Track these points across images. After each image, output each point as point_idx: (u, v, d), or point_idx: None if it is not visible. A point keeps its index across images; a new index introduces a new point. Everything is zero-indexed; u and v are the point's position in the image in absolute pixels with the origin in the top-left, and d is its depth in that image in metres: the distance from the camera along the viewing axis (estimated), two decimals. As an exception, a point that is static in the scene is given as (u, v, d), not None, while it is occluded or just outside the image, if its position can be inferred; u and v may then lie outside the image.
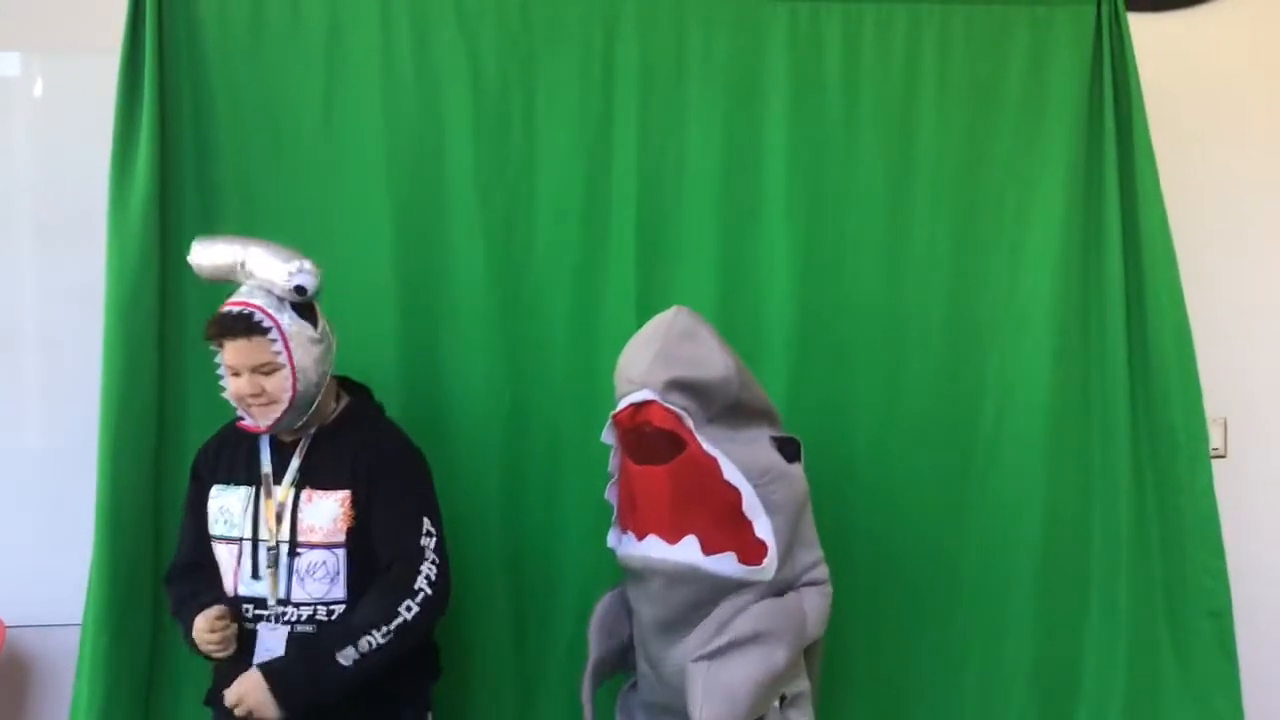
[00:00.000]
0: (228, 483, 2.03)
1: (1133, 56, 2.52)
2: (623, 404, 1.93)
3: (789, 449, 2.03)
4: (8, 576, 2.51)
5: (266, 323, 1.94)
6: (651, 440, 1.90)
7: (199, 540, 2.06)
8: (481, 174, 2.42)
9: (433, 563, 1.98)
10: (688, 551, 1.91)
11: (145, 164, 2.26)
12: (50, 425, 2.55)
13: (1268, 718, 2.67)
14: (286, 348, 1.94)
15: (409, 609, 1.93)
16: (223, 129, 2.37)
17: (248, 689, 1.89)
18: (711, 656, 1.90)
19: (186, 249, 2.33)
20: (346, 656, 1.89)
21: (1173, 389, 2.49)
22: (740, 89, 2.48)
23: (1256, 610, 2.65)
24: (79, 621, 2.26)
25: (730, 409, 1.98)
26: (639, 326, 2.37)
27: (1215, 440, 2.65)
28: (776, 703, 1.99)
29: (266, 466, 2.02)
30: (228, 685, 1.91)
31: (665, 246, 2.46)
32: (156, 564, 2.30)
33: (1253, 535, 2.72)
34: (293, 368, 1.94)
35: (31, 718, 2.55)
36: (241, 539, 1.99)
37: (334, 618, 1.96)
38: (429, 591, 1.95)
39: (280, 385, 1.94)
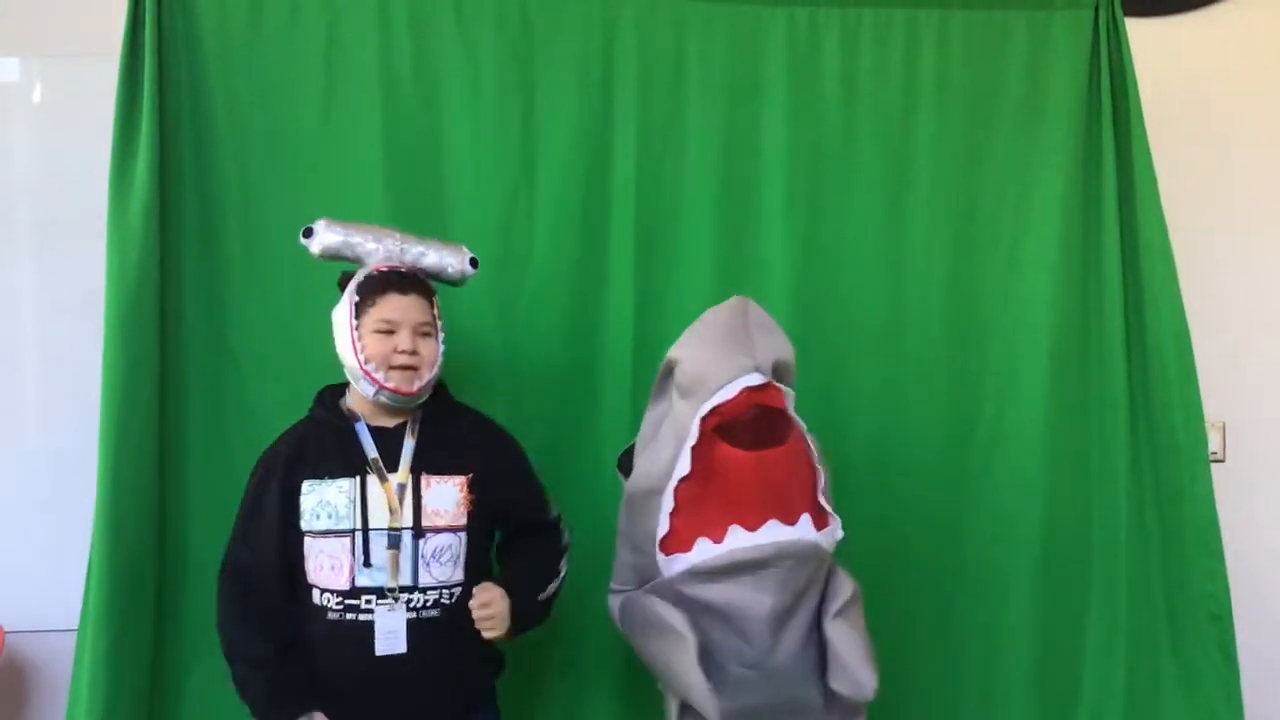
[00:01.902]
0: (322, 477, 1.97)
1: (1130, 61, 2.53)
2: (734, 389, 1.88)
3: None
4: (7, 581, 2.50)
5: (433, 287, 2.08)
6: (754, 425, 1.88)
7: (273, 541, 1.98)
8: (480, 176, 2.43)
9: (567, 531, 2.16)
10: (807, 529, 1.89)
11: (145, 167, 2.25)
12: (50, 428, 2.55)
13: (1269, 721, 2.67)
14: (440, 317, 2.06)
15: (564, 564, 2.11)
16: (222, 131, 2.37)
17: (495, 598, 1.94)
18: (840, 615, 1.93)
19: (186, 251, 2.37)
20: (546, 593, 2.05)
21: (1172, 393, 2.49)
22: (739, 92, 2.49)
23: (1257, 614, 2.65)
24: (78, 626, 2.26)
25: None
26: (638, 327, 2.43)
27: (1213, 444, 2.66)
28: None
29: (373, 452, 1.99)
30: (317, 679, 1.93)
31: (664, 247, 2.47)
32: (157, 568, 2.30)
33: (1252, 539, 2.72)
34: (443, 337, 2.04)
35: (30, 723, 2.56)
36: (353, 530, 1.95)
37: (455, 599, 1.96)
38: (570, 543, 2.15)
39: (432, 351, 2.01)
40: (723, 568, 1.89)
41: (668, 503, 1.94)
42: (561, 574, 2.10)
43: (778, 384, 1.91)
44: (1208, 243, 2.76)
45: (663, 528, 1.95)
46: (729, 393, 1.88)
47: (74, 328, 2.48)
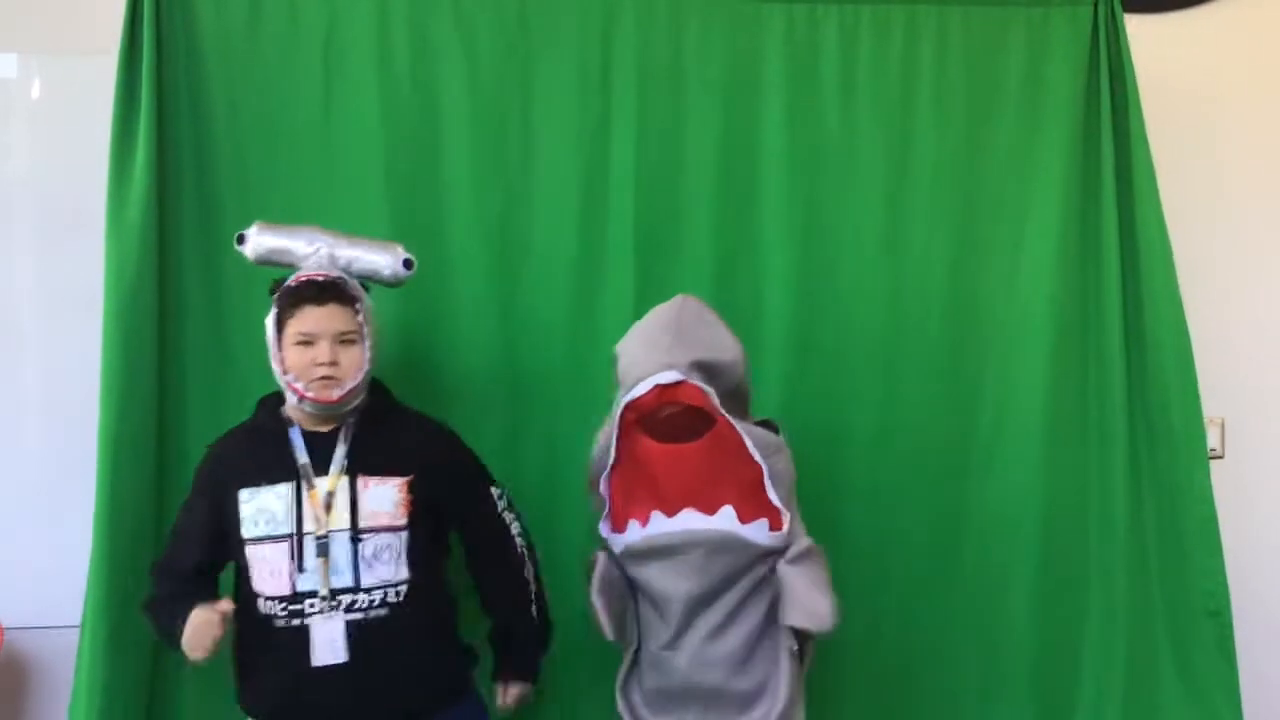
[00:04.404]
0: (259, 483, 1.99)
1: (1129, 57, 2.53)
2: (645, 386, 1.95)
3: (772, 428, 2.10)
4: (7, 578, 2.50)
5: (355, 293, 2.04)
6: (677, 419, 1.95)
7: (205, 546, 2.03)
8: (479, 174, 2.43)
9: (516, 521, 2.18)
10: (727, 520, 1.97)
11: (143, 164, 2.26)
12: (49, 425, 2.54)
13: (1267, 718, 2.67)
14: (368, 322, 2.03)
15: (529, 573, 2.17)
16: (221, 129, 2.38)
17: (514, 695, 2.15)
18: (796, 561, 1.99)
19: (185, 249, 2.38)
20: (538, 616, 2.17)
21: (1170, 390, 2.49)
22: (737, 90, 2.49)
23: (1255, 610, 2.65)
24: (78, 623, 2.26)
25: (731, 393, 2.02)
26: (637, 325, 2.42)
27: (1212, 441, 2.65)
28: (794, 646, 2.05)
29: (304, 457, 2.00)
30: (272, 689, 1.97)
31: (663, 246, 2.47)
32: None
33: (1250, 536, 2.72)
34: (370, 343, 2.01)
35: (30, 719, 2.56)
36: (291, 535, 1.96)
37: (402, 597, 1.98)
38: (527, 547, 2.18)
39: (355, 359, 2.00)
40: (644, 550, 2.02)
41: (604, 487, 2.08)
42: (533, 594, 2.18)
43: (696, 382, 1.94)
44: (1207, 239, 2.75)
45: (604, 509, 2.09)
46: (642, 389, 1.96)
47: (73, 324, 2.48)
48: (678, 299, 2.06)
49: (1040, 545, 2.53)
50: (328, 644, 1.94)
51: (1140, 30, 2.60)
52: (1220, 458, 2.76)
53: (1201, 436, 2.50)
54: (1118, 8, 2.55)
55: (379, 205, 2.39)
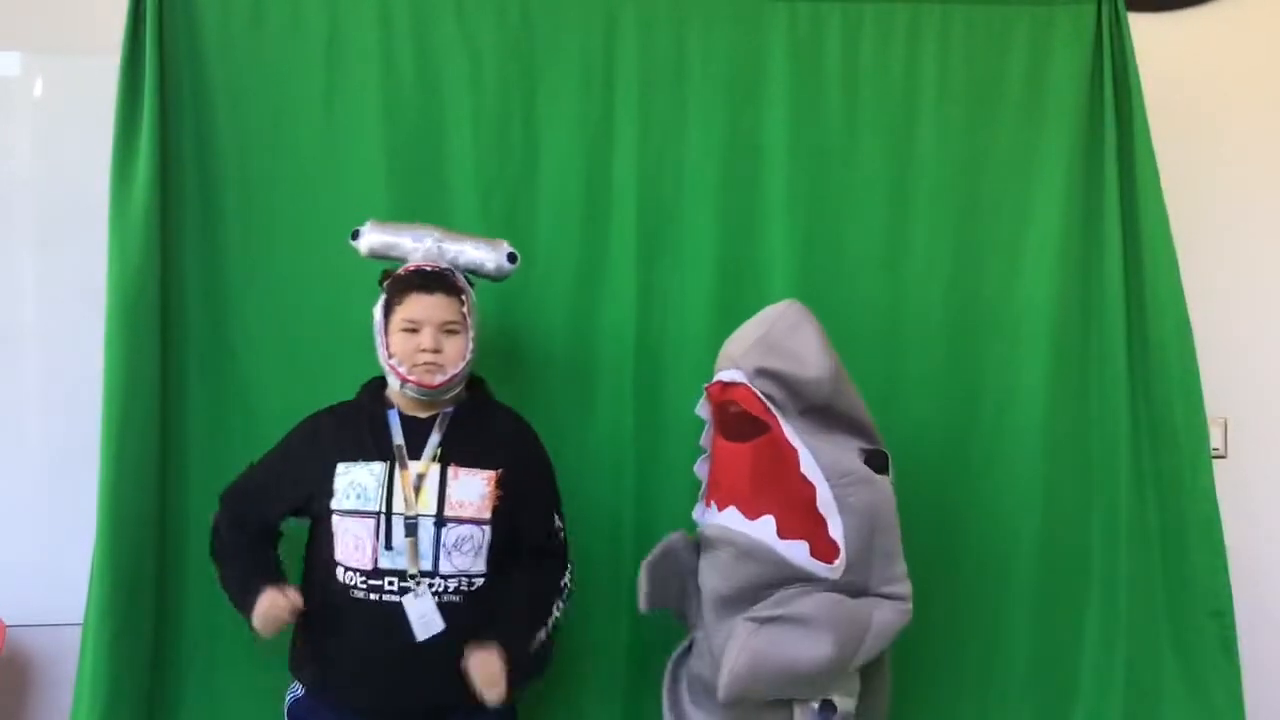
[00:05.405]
0: (356, 459, 2.04)
1: (1133, 56, 2.52)
2: (714, 378, 2.01)
3: (876, 461, 2.05)
4: (9, 575, 2.51)
5: (461, 285, 2.12)
6: (736, 419, 1.97)
7: (282, 508, 2.09)
8: (482, 173, 2.43)
9: (569, 560, 2.15)
10: (763, 529, 1.95)
11: (146, 163, 2.27)
12: (52, 424, 2.55)
13: (1270, 718, 2.66)
14: (471, 314, 2.10)
15: (558, 607, 2.11)
16: (223, 128, 2.38)
17: (493, 660, 1.95)
18: (761, 621, 1.94)
19: (187, 248, 2.38)
20: (538, 637, 2.06)
21: (1173, 389, 2.48)
22: (740, 88, 2.48)
23: (1258, 610, 2.64)
24: (80, 620, 2.26)
25: (819, 410, 2.01)
26: (639, 325, 2.44)
27: (1215, 440, 2.64)
28: (815, 705, 2.00)
29: (399, 439, 2.05)
30: (333, 660, 2.00)
31: (665, 246, 2.47)
32: (159, 562, 2.31)
33: (1253, 535, 2.72)
34: (473, 335, 2.07)
35: (33, 717, 2.56)
36: (378, 513, 2.00)
37: (475, 589, 2.01)
38: (571, 587, 2.14)
39: (458, 349, 2.06)
40: (700, 538, 2.09)
41: (697, 468, 2.13)
42: (553, 617, 2.09)
43: (754, 388, 1.95)
44: (1211, 238, 2.75)
45: (701, 490, 2.13)
46: (712, 380, 2.01)
47: (75, 323, 2.49)
48: (783, 304, 2.06)
49: (1041, 543, 2.52)
50: (422, 620, 1.97)
51: (1143, 28, 2.59)
52: (1223, 457, 2.76)
53: (1204, 436, 2.49)
54: (1121, 6, 2.54)
55: (381, 204, 2.39)
